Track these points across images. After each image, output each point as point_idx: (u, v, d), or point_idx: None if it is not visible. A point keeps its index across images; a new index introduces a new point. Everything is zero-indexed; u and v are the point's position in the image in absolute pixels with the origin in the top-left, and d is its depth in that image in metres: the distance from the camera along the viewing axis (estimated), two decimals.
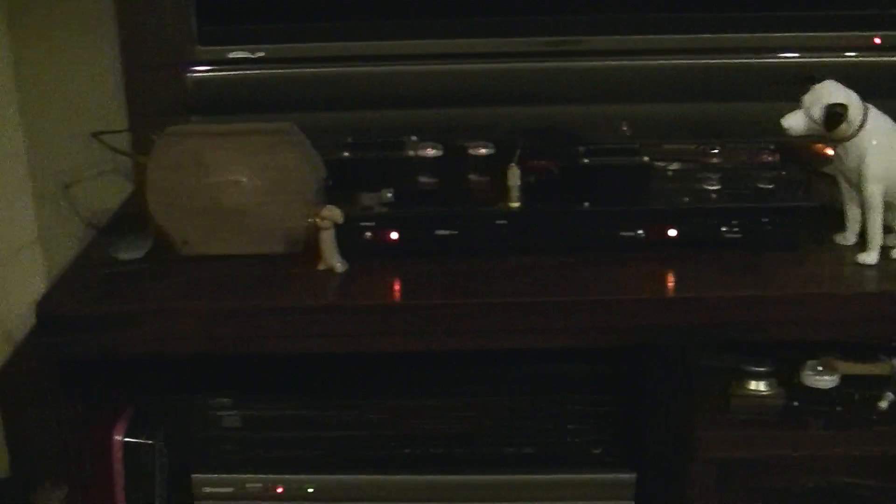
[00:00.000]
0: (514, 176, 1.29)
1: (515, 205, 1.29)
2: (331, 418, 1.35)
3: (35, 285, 1.61)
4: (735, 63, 1.47)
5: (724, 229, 1.29)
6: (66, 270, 1.38)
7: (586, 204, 1.29)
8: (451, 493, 1.35)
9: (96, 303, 1.26)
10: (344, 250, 1.29)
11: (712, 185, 1.32)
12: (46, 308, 1.27)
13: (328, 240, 1.28)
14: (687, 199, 1.30)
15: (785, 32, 1.46)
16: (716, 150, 1.34)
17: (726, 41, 1.45)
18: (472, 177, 1.32)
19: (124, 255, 1.32)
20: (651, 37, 1.42)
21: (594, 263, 1.27)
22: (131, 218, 1.35)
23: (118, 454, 1.35)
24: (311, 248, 1.30)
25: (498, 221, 1.29)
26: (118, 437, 1.35)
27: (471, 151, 1.32)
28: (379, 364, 1.36)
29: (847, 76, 1.23)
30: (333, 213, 1.27)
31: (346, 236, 1.29)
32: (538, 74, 1.43)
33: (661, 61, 1.43)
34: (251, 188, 1.31)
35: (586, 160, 1.31)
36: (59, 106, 1.60)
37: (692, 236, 1.29)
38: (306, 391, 1.36)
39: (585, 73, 1.43)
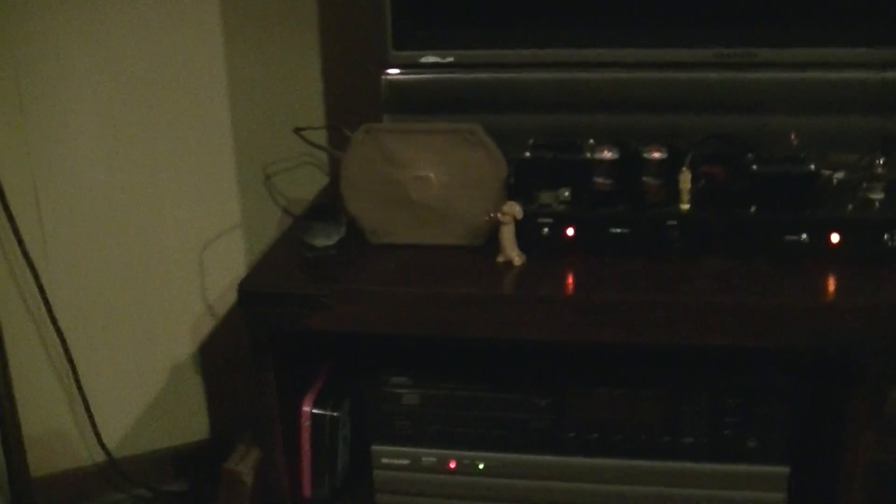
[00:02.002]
0: (686, 180, 1.27)
1: (686, 207, 1.27)
2: (502, 401, 1.34)
3: (237, 265, 1.69)
4: None
5: (886, 237, 1.24)
6: (266, 253, 1.39)
7: (753, 208, 1.26)
8: (611, 475, 1.34)
9: (293, 284, 1.26)
10: (522, 244, 1.29)
11: (876, 194, 1.28)
12: (247, 286, 1.26)
13: (508, 234, 1.27)
14: (851, 206, 1.26)
15: None
16: (881, 161, 1.29)
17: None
18: (646, 179, 1.30)
19: (319, 242, 1.32)
20: (821, 49, 1.36)
21: (763, 268, 1.24)
22: (326, 208, 1.34)
23: (306, 423, 1.37)
24: (491, 241, 1.30)
25: (669, 222, 1.27)
26: (307, 409, 1.37)
27: (645, 155, 1.29)
28: (551, 353, 1.35)
29: None
30: (514, 209, 1.26)
31: (525, 231, 1.29)
32: (711, 84, 1.39)
33: (832, 74, 1.37)
34: (438, 183, 1.31)
35: (755, 167, 1.27)
36: (264, 103, 1.65)
37: (854, 244, 1.25)
38: (481, 375, 1.35)
39: (757, 84, 1.38)
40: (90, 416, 1.65)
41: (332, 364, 1.45)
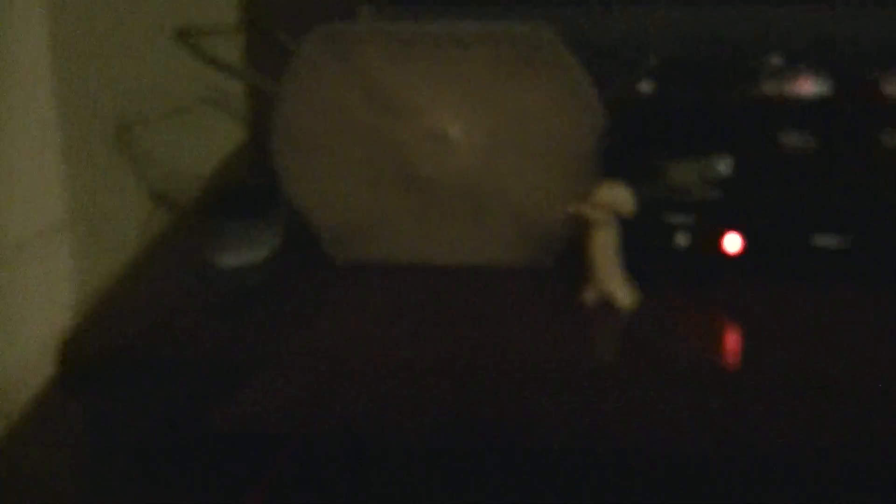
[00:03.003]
0: None
1: None
2: None
3: (60, 303, 1.58)
4: None
5: None
6: (120, 281, 1.37)
7: None
8: None
9: (174, 340, 1.23)
10: (633, 265, 1.23)
11: None
12: (80, 347, 1.27)
13: (606, 245, 1.22)
14: None
15: None
16: None
17: None
18: (885, 137, 1.26)
19: (229, 259, 1.33)
20: None
21: None
22: (242, 192, 1.34)
23: None
24: (572, 259, 1.26)
25: None
26: None
27: (883, 88, 1.26)
28: (684, 477, 1.32)
29: None
30: (617, 196, 1.21)
31: (641, 239, 1.24)
32: None
33: None
34: (466, 146, 1.29)
35: None
36: None
37: None
38: None
39: None
40: None
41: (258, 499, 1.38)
